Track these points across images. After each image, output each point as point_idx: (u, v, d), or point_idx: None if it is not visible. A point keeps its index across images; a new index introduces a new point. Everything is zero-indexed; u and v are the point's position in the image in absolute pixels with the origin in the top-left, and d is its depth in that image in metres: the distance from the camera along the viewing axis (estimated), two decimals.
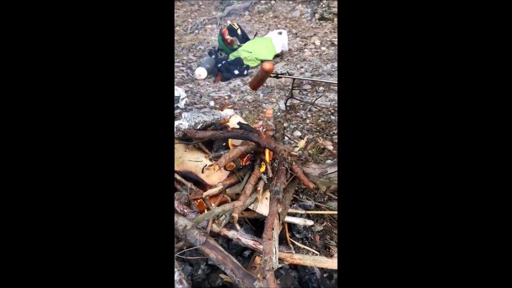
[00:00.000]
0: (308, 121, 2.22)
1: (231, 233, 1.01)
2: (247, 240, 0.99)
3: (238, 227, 1.00)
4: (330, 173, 1.18)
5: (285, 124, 2.15)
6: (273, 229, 0.87)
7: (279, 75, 1.26)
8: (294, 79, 1.50)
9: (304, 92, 2.58)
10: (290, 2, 4.87)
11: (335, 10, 4.39)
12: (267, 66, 1.16)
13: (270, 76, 1.27)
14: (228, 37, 3.37)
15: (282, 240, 1.24)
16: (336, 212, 1.40)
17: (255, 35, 3.63)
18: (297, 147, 1.33)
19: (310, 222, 1.19)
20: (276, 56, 3.42)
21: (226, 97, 2.60)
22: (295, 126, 2.17)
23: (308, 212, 1.34)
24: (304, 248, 1.21)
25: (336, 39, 3.77)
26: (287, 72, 1.93)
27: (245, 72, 3.00)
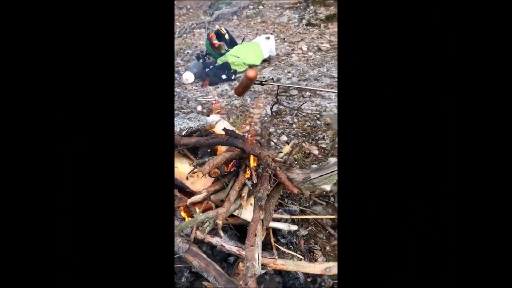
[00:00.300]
0: (294, 126, 2.25)
1: (215, 240, 1.01)
2: (230, 246, 0.99)
3: (221, 233, 1.00)
4: (314, 178, 1.20)
5: (272, 129, 2.18)
6: (256, 235, 0.88)
7: (263, 82, 1.28)
8: (278, 86, 1.53)
9: (291, 98, 2.62)
10: (278, 8, 4.94)
11: (322, 16, 4.48)
12: (251, 73, 1.18)
13: (255, 83, 1.28)
14: (215, 41, 3.38)
15: (267, 245, 1.25)
16: (320, 216, 1.42)
17: (242, 40, 3.65)
18: (282, 152, 1.35)
19: (294, 227, 1.21)
20: (264, 61, 3.45)
21: (215, 101, 2.60)
22: (282, 131, 2.19)
23: (293, 217, 1.36)
24: (288, 253, 1.23)
25: (322, 45, 3.85)
26: (273, 78, 1.95)
27: (233, 76, 3.02)
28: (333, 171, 1.18)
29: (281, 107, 2.30)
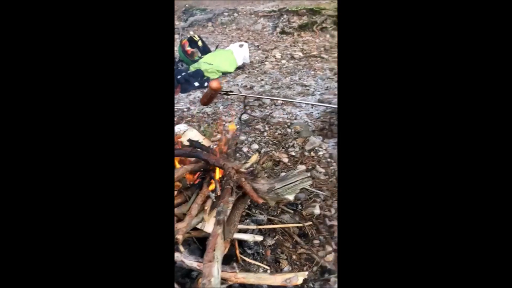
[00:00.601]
0: (265, 134, 2.27)
1: (175, 255, 0.99)
2: (191, 262, 0.97)
3: (181, 249, 0.98)
4: (277, 188, 1.22)
5: (243, 138, 2.18)
6: (214, 250, 0.87)
7: (228, 93, 1.29)
8: (245, 96, 1.54)
9: (263, 105, 2.64)
10: (253, 16, 5.00)
11: (295, 25, 4.60)
12: (214, 84, 1.18)
13: (220, 94, 1.29)
14: (188, 48, 3.35)
15: (233, 257, 1.24)
16: (287, 225, 1.44)
17: (216, 47, 3.65)
18: (248, 162, 1.36)
19: (259, 238, 1.21)
20: (238, 68, 3.47)
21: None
22: (253, 139, 2.20)
23: (260, 227, 1.36)
24: (254, 264, 1.23)
25: (295, 53, 3.94)
26: (239, 89, 1.97)
27: (206, 84, 3.00)
28: (296, 181, 1.20)
29: (248, 116, 2.32)
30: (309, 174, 1.23)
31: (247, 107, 1.93)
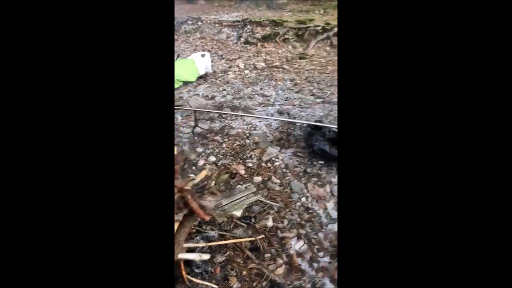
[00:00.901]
0: (224, 145, 2.26)
1: None
2: None
3: None
4: (224, 205, 1.20)
5: (200, 149, 2.15)
6: None
7: (177, 107, 1.27)
8: (195, 110, 1.53)
9: (223, 115, 2.64)
10: (217, 25, 5.01)
11: (258, 35, 4.69)
12: None
13: None
14: None
15: (178, 279, 1.20)
16: (239, 240, 1.42)
17: (177, 57, 3.60)
18: (195, 179, 1.33)
19: (206, 256, 1.18)
20: (200, 77, 3.44)
21: None
22: (211, 151, 2.18)
23: (209, 244, 1.33)
24: (202, 284, 1.20)
25: (259, 63, 4.01)
26: (188, 103, 1.95)
27: None
28: (242, 197, 1.19)
29: (200, 129, 2.30)
30: (255, 189, 1.23)
31: (198, 120, 1.90)
